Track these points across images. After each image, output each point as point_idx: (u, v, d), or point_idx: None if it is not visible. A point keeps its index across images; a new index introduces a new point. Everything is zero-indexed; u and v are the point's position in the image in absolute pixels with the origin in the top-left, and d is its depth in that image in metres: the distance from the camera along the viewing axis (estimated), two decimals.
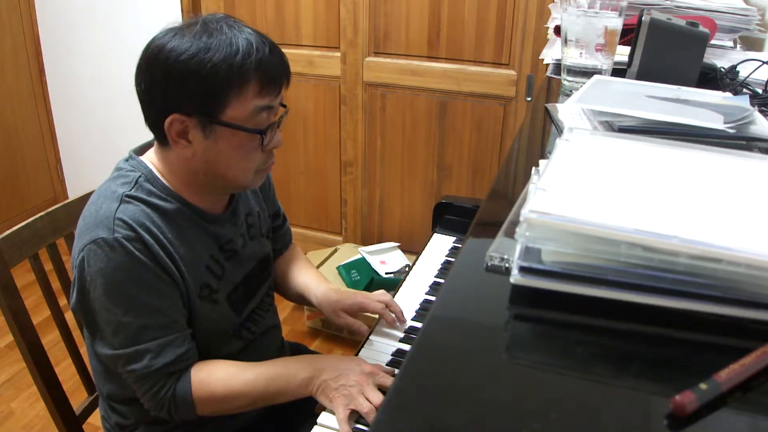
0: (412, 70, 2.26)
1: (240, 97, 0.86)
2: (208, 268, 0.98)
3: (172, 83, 0.85)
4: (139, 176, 0.93)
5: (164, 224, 0.91)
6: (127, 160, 0.97)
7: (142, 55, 0.88)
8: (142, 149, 1.00)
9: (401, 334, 1.10)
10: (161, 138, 0.91)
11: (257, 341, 1.11)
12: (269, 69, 0.88)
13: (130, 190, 0.91)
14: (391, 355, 1.06)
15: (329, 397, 0.93)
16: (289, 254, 1.27)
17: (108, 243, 0.86)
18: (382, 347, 1.08)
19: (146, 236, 0.88)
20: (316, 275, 1.22)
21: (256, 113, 0.88)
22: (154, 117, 0.89)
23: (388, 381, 0.95)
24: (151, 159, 0.96)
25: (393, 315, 1.11)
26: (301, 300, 1.22)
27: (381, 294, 1.15)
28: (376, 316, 1.12)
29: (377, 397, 0.91)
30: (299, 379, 0.96)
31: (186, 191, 0.95)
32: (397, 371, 0.98)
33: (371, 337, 1.09)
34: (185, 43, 0.84)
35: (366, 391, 0.92)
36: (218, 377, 0.95)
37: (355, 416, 0.91)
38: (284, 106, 0.96)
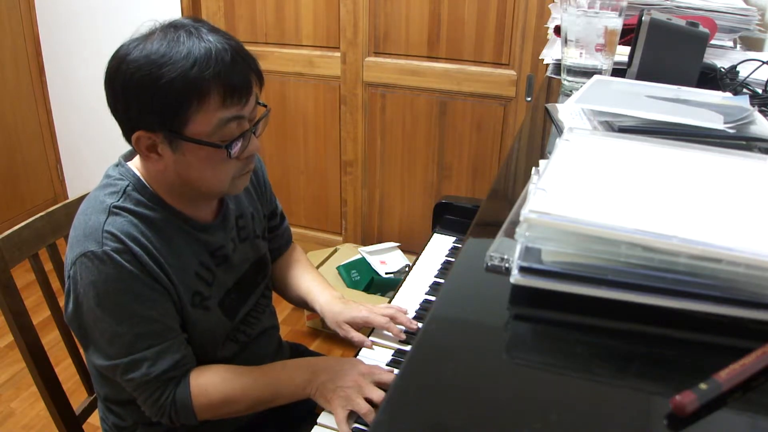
0: (412, 70, 2.26)
1: (201, 111, 0.83)
2: (198, 275, 0.97)
3: (131, 99, 0.84)
4: (127, 185, 0.92)
5: (152, 234, 0.91)
6: (116, 166, 0.96)
7: (107, 65, 0.86)
8: (133, 153, 0.98)
9: (402, 335, 1.10)
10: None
11: (253, 343, 1.11)
12: (230, 79, 0.83)
13: (118, 200, 0.90)
14: (391, 355, 1.06)
15: (327, 398, 0.93)
16: (290, 256, 1.25)
17: (97, 256, 0.86)
18: (382, 347, 1.07)
19: (135, 247, 0.87)
20: (319, 281, 1.19)
21: (221, 125, 0.85)
22: (123, 131, 0.88)
23: (387, 377, 0.95)
24: (138, 165, 0.95)
25: (399, 327, 1.07)
26: (302, 305, 1.20)
27: (385, 307, 1.11)
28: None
29: (377, 395, 0.91)
30: (297, 381, 0.96)
31: (172, 199, 0.94)
32: (396, 371, 0.98)
33: (371, 338, 1.09)
34: (142, 57, 0.82)
35: (365, 391, 0.92)
36: (216, 383, 0.95)
37: (354, 417, 0.91)
38: (265, 105, 0.93)
